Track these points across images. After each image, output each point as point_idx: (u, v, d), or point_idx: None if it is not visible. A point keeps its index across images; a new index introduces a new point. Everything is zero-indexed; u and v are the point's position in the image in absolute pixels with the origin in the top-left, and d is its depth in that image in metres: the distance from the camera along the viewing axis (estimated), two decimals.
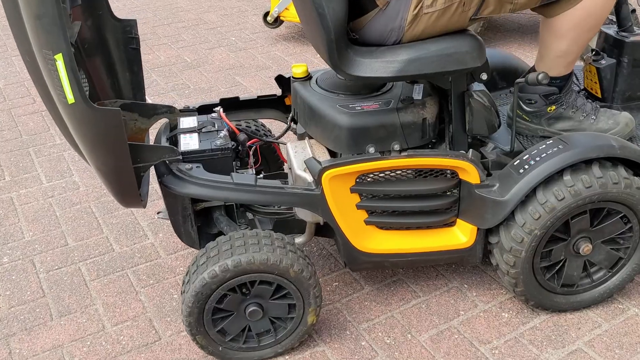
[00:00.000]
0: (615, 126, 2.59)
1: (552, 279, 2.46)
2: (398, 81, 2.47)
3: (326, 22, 2.06)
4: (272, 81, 4.51)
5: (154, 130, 2.68)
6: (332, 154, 2.49)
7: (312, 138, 2.58)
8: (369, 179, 2.35)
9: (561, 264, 2.44)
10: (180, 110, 2.68)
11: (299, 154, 2.47)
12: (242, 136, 2.53)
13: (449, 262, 2.71)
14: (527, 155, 2.33)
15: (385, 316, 2.57)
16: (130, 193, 2.20)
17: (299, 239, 2.58)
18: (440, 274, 2.79)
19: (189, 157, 2.34)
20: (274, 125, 3.53)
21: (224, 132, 2.42)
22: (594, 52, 2.81)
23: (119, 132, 1.99)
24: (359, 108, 2.40)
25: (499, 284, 2.72)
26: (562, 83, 2.57)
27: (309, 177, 2.34)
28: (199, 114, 2.66)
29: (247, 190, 2.27)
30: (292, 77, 2.66)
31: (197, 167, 2.30)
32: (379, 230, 2.41)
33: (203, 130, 2.47)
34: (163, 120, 2.64)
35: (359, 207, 2.35)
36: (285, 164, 2.94)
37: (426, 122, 2.43)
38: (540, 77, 2.27)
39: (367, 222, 2.38)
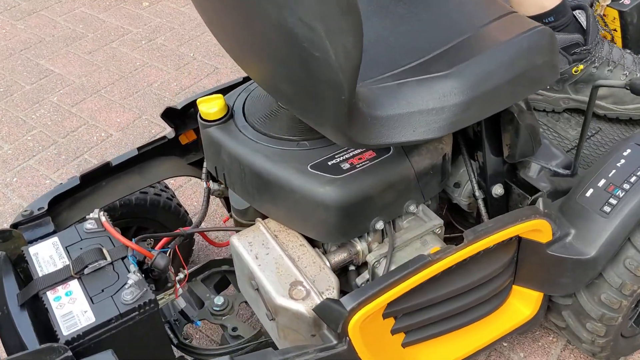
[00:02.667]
0: None
1: (635, 325, 1.80)
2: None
3: (333, 72, 1.01)
4: (95, 59, 3.23)
5: None
6: (311, 240, 1.53)
7: (263, 216, 1.58)
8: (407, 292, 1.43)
9: None
10: (18, 226, 1.50)
11: (265, 263, 1.46)
12: (162, 260, 1.43)
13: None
14: (605, 180, 1.55)
15: None
16: None
17: None
18: None
19: (86, 342, 1.24)
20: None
21: (131, 274, 1.32)
22: None
23: None
24: (346, 166, 1.44)
25: (545, 329, 2.01)
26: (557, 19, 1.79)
27: (302, 308, 1.38)
28: (55, 228, 1.51)
29: None
30: (202, 119, 1.58)
31: None
32: (419, 347, 1.54)
33: (86, 272, 1.35)
34: None
35: (394, 332, 1.44)
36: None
37: (446, 159, 1.54)
38: None
39: (404, 345, 1.49)
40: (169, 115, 1.77)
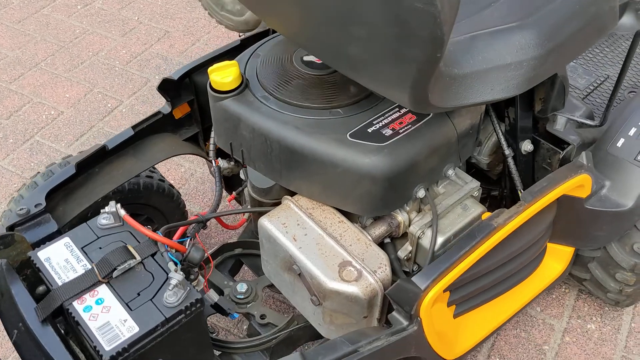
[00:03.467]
0: None
1: None
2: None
3: (435, 26, 0.87)
4: (26, 28, 2.89)
5: None
6: (346, 214, 1.41)
7: (291, 193, 1.45)
8: None
9: None
10: (15, 228, 1.29)
11: (306, 245, 1.33)
12: (197, 253, 1.27)
13: None
14: (635, 129, 1.52)
15: None
16: None
17: None
18: None
19: (131, 355, 1.08)
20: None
21: (173, 272, 1.15)
22: None
23: None
24: (388, 132, 1.32)
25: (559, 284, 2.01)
26: None
27: (356, 290, 1.27)
28: (58, 226, 1.31)
29: None
30: (214, 90, 1.41)
31: None
32: (466, 316, 1.47)
33: (115, 275, 1.17)
34: None
35: (449, 304, 1.36)
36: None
37: (481, 118, 1.46)
38: None
39: (455, 316, 1.42)
40: (166, 87, 1.58)
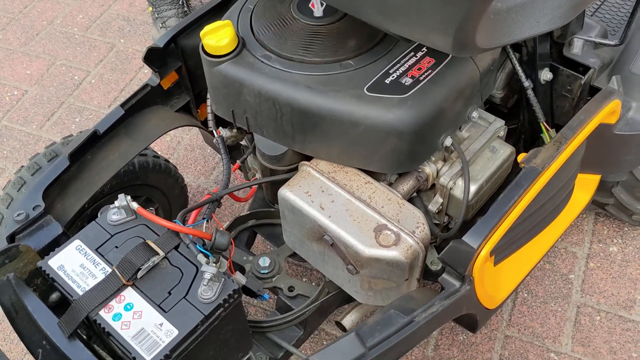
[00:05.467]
0: None
1: None
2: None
3: None
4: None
5: None
6: (370, 173, 1.32)
7: (307, 158, 1.34)
8: None
9: None
10: (15, 237, 1.16)
11: (335, 213, 1.23)
12: (223, 239, 1.15)
13: None
14: None
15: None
16: None
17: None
18: None
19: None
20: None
21: (205, 265, 1.05)
22: None
23: None
24: (408, 80, 1.21)
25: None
26: None
27: (397, 255, 1.18)
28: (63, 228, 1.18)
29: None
30: (208, 54, 1.27)
31: None
32: (505, 262, 1.41)
33: (139, 276, 1.06)
34: None
35: (491, 253, 1.29)
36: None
37: (497, 53, 1.35)
38: None
39: (495, 264, 1.35)
40: (151, 57, 1.42)
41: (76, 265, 1.10)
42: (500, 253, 1.35)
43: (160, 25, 2.41)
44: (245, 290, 1.33)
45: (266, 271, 1.46)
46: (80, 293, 1.06)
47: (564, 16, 1.01)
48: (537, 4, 0.98)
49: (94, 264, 1.10)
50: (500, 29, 0.98)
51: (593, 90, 1.47)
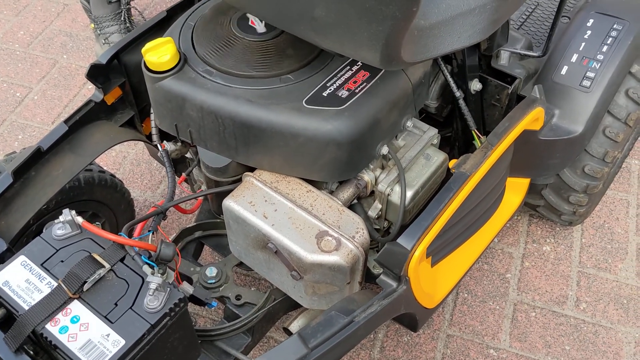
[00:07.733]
0: None
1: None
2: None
3: None
4: None
5: None
6: (312, 182, 1.37)
7: (250, 169, 1.38)
8: None
9: None
10: None
11: (278, 221, 1.28)
12: (169, 250, 1.18)
13: None
14: (577, 55, 1.54)
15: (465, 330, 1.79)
16: None
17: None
18: None
19: None
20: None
21: (150, 276, 1.08)
22: None
23: None
24: (344, 93, 1.27)
25: None
26: None
27: (338, 260, 1.24)
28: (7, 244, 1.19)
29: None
30: (150, 70, 1.30)
31: None
32: (441, 264, 1.48)
33: (86, 288, 1.08)
34: None
35: (427, 255, 1.36)
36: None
37: (428, 66, 1.43)
38: None
39: (432, 265, 1.42)
40: (94, 73, 1.44)
41: (21, 281, 1.11)
42: (437, 254, 1.42)
43: (103, 41, 2.42)
44: (194, 299, 1.37)
45: (213, 281, 1.49)
46: (26, 308, 1.07)
47: (483, 31, 1.09)
48: (458, 20, 1.06)
49: (39, 278, 1.11)
50: (425, 44, 1.05)
51: (520, 99, 1.57)
